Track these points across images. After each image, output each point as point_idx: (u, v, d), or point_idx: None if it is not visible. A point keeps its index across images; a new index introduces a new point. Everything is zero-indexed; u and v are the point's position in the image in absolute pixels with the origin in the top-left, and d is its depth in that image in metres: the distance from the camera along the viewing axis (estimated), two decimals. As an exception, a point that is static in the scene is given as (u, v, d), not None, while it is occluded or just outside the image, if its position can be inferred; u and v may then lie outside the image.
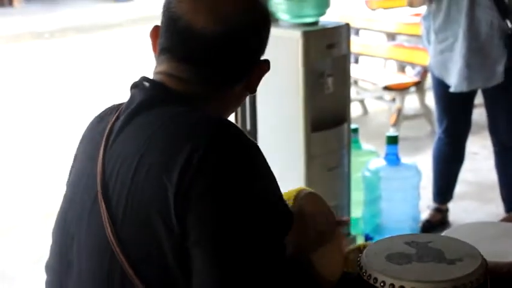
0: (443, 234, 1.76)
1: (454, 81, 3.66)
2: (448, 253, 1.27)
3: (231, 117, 3.51)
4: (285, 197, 1.56)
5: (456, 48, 3.62)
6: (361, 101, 6.54)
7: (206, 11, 1.39)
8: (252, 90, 1.50)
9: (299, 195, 1.59)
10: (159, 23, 1.48)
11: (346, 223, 1.77)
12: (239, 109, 3.53)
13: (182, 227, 1.26)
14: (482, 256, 1.27)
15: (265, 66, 1.49)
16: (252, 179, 1.31)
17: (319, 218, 1.62)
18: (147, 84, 1.42)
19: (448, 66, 3.69)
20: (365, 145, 4.12)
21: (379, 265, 1.24)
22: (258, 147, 1.36)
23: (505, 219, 2.10)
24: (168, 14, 1.42)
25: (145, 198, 1.30)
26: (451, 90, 3.68)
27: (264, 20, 1.48)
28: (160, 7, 1.47)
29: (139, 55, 8.46)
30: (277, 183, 1.36)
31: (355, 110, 6.46)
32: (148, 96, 1.40)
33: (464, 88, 3.65)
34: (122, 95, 1.51)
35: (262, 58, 1.50)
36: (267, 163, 1.36)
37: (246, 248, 1.27)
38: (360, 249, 1.62)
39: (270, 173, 1.35)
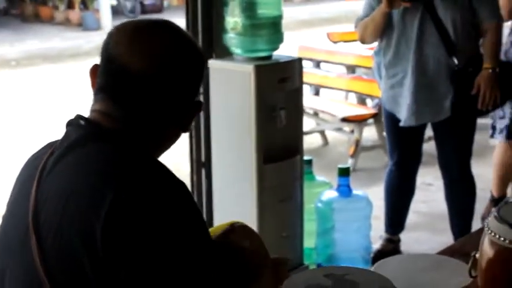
0: (374, 266, 1.83)
1: (404, 115, 3.76)
2: (363, 285, 1.34)
3: (185, 147, 3.56)
4: (216, 230, 1.63)
5: (405, 84, 3.73)
6: (322, 132, 6.64)
7: (141, 54, 1.45)
8: (185, 129, 1.55)
9: (231, 228, 1.64)
10: None
11: (286, 262, 1.77)
12: (194, 141, 3.61)
13: (110, 265, 1.32)
14: (395, 288, 1.34)
15: (198, 107, 1.56)
16: (175, 219, 1.36)
17: (251, 253, 1.66)
18: (82, 122, 1.48)
19: (398, 101, 3.79)
20: (321, 176, 4.20)
21: (297, 297, 1.31)
22: (182, 185, 1.42)
23: (441, 252, 2.18)
24: (106, 54, 1.48)
25: (73, 233, 1.35)
26: (401, 124, 3.78)
27: (197, 64, 1.54)
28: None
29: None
30: (202, 219, 1.42)
31: (315, 141, 6.58)
32: (82, 134, 1.45)
33: (413, 122, 3.75)
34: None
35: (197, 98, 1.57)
36: (192, 201, 1.42)
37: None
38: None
39: (194, 211, 1.41)
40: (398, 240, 4.20)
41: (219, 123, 3.46)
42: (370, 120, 6.11)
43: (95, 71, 1.52)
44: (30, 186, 1.45)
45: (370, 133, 6.30)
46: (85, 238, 1.33)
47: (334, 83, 6.61)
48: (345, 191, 3.81)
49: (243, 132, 3.35)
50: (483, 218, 4.40)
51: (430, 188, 5.17)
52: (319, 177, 4.16)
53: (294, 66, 3.43)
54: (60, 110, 7.98)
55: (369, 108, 6.33)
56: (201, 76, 1.56)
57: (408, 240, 4.26)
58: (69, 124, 1.50)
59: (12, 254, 1.45)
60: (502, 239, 1.38)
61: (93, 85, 1.53)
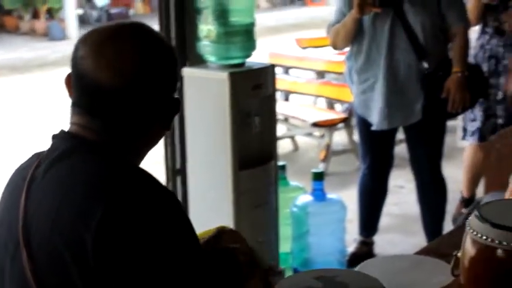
0: (357, 268, 1.87)
1: (376, 119, 3.81)
2: (353, 287, 1.37)
3: (160, 155, 3.56)
4: (203, 235, 1.65)
5: (377, 89, 3.78)
6: (292, 138, 6.68)
7: (109, 67, 1.44)
8: (167, 128, 1.55)
9: (218, 233, 1.66)
10: None
11: (278, 273, 1.79)
12: (169, 149, 3.62)
13: (101, 274, 1.33)
14: (384, 289, 1.37)
15: (177, 103, 1.55)
16: (167, 229, 1.37)
17: (240, 256, 1.68)
18: (67, 134, 1.49)
19: (369, 105, 3.84)
20: (293, 181, 4.23)
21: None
22: (172, 196, 1.44)
23: (418, 252, 2.23)
24: (75, 70, 1.48)
25: (62, 243, 1.36)
26: (373, 128, 3.83)
27: (168, 63, 1.51)
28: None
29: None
30: (192, 229, 1.43)
31: (286, 146, 6.62)
32: (69, 146, 1.46)
33: (385, 126, 3.81)
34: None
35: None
36: (182, 210, 1.44)
37: None
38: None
39: (185, 221, 1.42)
40: (373, 243, 4.25)
41: (194, 131, 3.47)
42: (340, 125, 6.16)
43: (70, 80, 1.52)
44: (19, 196, 1.45)
45: (340, 137, 6.35)
46: (73, 247, 1.35)
47: (304, 88, 6.66)
48: (319, 195, 3.84)
49: (218, 139, 3.37)
50: (454, 219, 4.47)
51: (401, 190, 5.24)
52: (292, 182, 4.20)
53: (267, 72, 3.46)
54: (29, 120, 7.92)
55: (339, 113, 6.39)
56: (175, 74, 1.54)
57: (382, 242, 4.31)
58: (55, 137, 1.51)
59: (4, 266, 1.45)
60: (484, 237, 1.41)
61: (70, 94, 1.53)
